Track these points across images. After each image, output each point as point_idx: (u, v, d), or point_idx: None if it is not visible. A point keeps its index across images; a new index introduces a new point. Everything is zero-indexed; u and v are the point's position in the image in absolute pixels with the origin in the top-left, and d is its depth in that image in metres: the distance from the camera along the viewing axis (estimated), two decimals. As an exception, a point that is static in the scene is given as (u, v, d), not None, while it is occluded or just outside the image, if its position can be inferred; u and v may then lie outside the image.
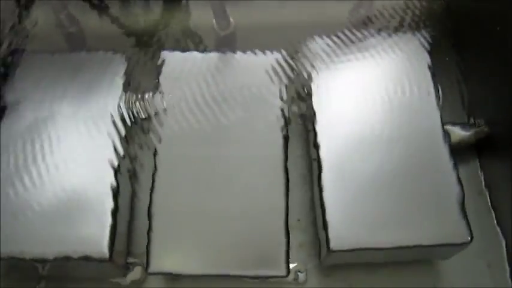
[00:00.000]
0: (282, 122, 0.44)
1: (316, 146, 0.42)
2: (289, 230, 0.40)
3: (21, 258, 0.39)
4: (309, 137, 0.47)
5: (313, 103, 0.44)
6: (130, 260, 0.44)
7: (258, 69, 0.46)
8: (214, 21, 0.50)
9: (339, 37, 0.48)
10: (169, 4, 0.57)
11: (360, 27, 0.54)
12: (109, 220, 0.40)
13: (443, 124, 0.43)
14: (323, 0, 0.57)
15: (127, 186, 0.45)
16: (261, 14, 0.56)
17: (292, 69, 0.46)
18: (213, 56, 0.47)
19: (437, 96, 0.44)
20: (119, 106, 0.44)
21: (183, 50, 0.47)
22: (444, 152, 0.42)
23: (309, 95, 0.45)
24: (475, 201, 0.47)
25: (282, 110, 0.44)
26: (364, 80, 0.45)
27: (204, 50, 0.48)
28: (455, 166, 0.41)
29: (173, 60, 0.46)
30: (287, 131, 0.44)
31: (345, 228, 0.39)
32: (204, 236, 0.39)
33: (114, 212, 0.40)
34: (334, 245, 0.38)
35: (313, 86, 0.45)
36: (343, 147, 0.42)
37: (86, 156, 0.42)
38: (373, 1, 0.54)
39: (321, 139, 0.42)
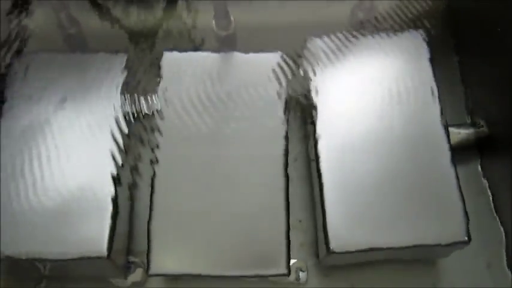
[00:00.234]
0: (282, 121, 0.44)
1: (317, 146, 0.42)
2: (290, 230, 0.40)
3: (21, 258, 0.39)
4: (309, 136, 0.47)
5: (313, 103, 0.44)
6: (131, 259, 0.44)
7: (258, 69, 0.46)
8: (214, 22, 0.50)
9: (339, 37, 0.47)
10: (169, 4, 0.57)
11: (360, 27, 0.54)
12: (108, 219, 0.40)
13: (443, 124, 0.43)
14: (323, 0, 0.57)
15: (127, 186, 0.45)
16: (261, 14, 0.56)
17: (292, 69, 0.46)
18: (214, 56, 0.47)
19: (438, 96, 0.44)
20: (119, 106, 0.44)
21: (184, 50, 0.47)
22: (444, 152, 0.42)
23: (309, 95, 0.45)
24: (475, 201, 0.47)
25: (282, 110, 0.44)
26: (364, 80, 0.45)
27: (204, 50, 0.47)
28: (456, 166, 0.41)
29: (173, 61, 0.46)
30: (287, 131, 0.43)
31: (344, 228, 0.39)
32: (204, 236, 0.39)
33: (114, 212, 0.40)
34: (334, 245, 0.38)
35: (313, 86, 0.45)
36: (344, 148, 0.42)
37: (86, 156, 0.42)
38: (374, 1, 0.54)
39: (321, 139, 0.42)
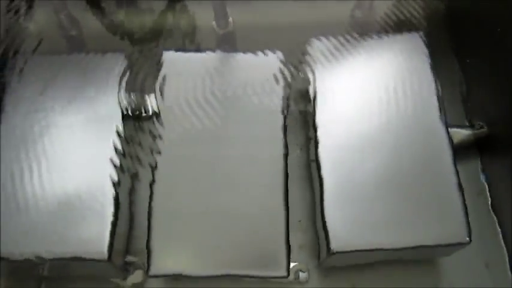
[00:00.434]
0: (282, 122, 0.44)
1: (317, 147, 0.42)
2: (290, 230, 0.40)
3: (21, 258, 0.39)
4: (309, 137, 0.47)
5: (313, 103, 0.44)
6: (131, 259, 0.44)
7: (258, 69, 0.46)
8: (213, 21, 0.50)
9: (339, 37, 0.47)
10: (169, 4, 0.57)
11: (360, 27, 0.54)
12: (109, 220, 0.40)
13: (443, 124, 0.43)
14: (323, 0, 0.57)
15: (127, 186, 0.45)
16: (261, 14, 0.56)
17: (292, 69, 0.46)
18: (213, 55, 0.47)
19: (438, 97, 0.44)
20: (119, 106, 0.44)
21: (183, 50, 0.47)
22: (445, 152, 0.42)
23: (309, 95, 0.45)
24: (475, 202, 0.47)
25: (282, 110, 0.44)
26: (364, 81, 0.45)
27: (204, 50, 0.47)
28: (456, 166, 0.41)
29: (173, 60, 0.46)
30: (287, 131, 0.43)
31: (344, 229, 0.39)
32: (204, 236, 0.39)
33: (114, 212, 0.40)
34: (334, 246, 0.38)
35: (313, 86, 0.45)
36: (344, 148, 0.42)
37: (86, 156, 0.42)
38: (373, 1, 0.54)
39: (321, 139, 0.42)
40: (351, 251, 0.38)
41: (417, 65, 0.45)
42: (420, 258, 0.44)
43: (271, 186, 0.41)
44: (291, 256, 0.39)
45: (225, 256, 0.39)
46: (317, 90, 0.45)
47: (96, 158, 0.42)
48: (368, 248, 0.38)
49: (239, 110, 0.44)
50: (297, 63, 0.47)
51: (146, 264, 0.39)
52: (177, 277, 0.42)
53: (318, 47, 0.47)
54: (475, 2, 0.50)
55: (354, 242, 0.38)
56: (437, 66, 0.45)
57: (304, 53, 0.47)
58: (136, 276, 0.44)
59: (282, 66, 0.46)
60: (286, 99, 0.45)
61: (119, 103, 0.44)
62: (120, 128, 0.43)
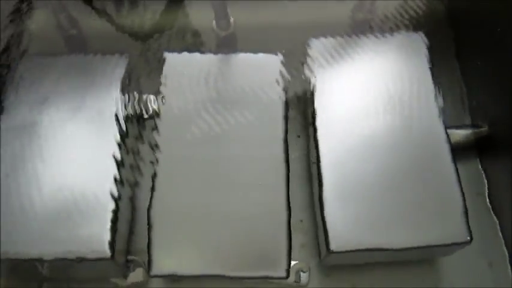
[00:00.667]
0: (282, 122, 0.44)
1: (317, 147, 0.42)
2: (291, 230, 0.40)
3: (22, 258, 0.39)
4: (309, 137, 0.47)
5: (314, 104, 0.44)
6: (132, 259, 0.44)
7: (259, 70, 0.46)
8: (214, 21, 0.50)
9: (339, 37, 0.47)
10: (169, 5, 0.57)
11: (360, 27, 0.54)
12: (110, 220, 0.40)
13: (443, 124, 0.43)
14: (323, 0, 0.57)
15: (128, 186, 0.45)
16: (261, 14, 0.56)
17: (292, 69, 0.46)
18: (214, 56, 0.47)
19: (438, 97, 0.44)
20: (120, 107, 0.44)
21: (184, 51, 0.47)
22: (444, 152, 0.42)
23: (309, 95, 0.45)
24: (475, 202, 0.47)
25: (283, 111, 0.44)
26: (364, 81, 0.45)
27: (204, 51, 0.47)
28: (456, 166, 0.41)
29: (174, 61, 0.46)
30: (287, 131, 0.43)
31: (345, 229, 0.39)
32: (205, 236, 0.40)
33: (115, 212, 0.40)
34: (334, 246, 0.38)
35: (314, 87, 0.45)
36: (344, 148, 0.42)
37: (86, 156, 0.42)
38: (374, 1, 0.54)
39: (321, 140, 0.42)
40: (351, 251, 0.38)
41: (417, 65, 0.45)
42: (420, 258, 0.44)
43: (272, 186, 0.41)
44: (292, 255, 0.39)
45: (225, 256, 0.39)
46: (317, 90, 0.45)
47: (97, 158, 0.42)
48: (368, 247, 0.38)
49: (240, 110, 0.44)
50: (297, 63, 0.47)
51: (147, 264, 0.39)
52: (177, 277, 0.42)
53: (318, 47, 0.47)
54: (475, 2, 0.50)
55: (353, 241, 0.38)
56: (437, 66, 0.45)
57: (305, 53, 0.47)
58: (136, 276, 0.44)
59: (282, 66, 0.46)
60: (286, 99, 0.45)
61: (120, 104, 0.45)
62: (121, 129, 0.43)
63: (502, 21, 0.44)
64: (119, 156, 0.42)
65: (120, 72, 0.46)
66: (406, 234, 0.39)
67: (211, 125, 0.44)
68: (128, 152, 0.44)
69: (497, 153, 0.47)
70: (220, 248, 0.39)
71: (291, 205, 0.41)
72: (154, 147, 0.43)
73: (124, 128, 0.44)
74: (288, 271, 0.39)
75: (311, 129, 0.44)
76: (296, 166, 0.48)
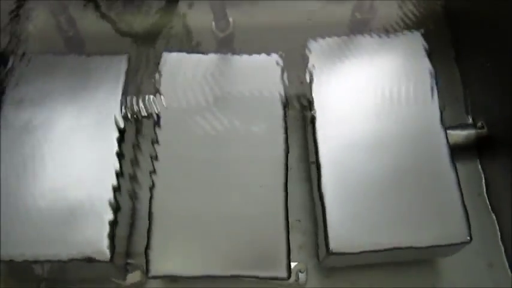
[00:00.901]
0: (281, 123, 0.44)
1: (316, 147, 0.42)
2: (290, 230, 0.40)
3: (21, 260, 0.39)
4: (308, 138, 0.47)
5: (313, 104, 0.44)
6: (130, 261, 0.44)
7: (258, 70, 0.46)
8: (213, 22, 0.50)
9: (338, 38, 0.47)
10: (168, 6, 0.57)
11: (360, 27, 0.54)
12: (109, 222, 0.40)
13: (443, 124, 0.43)
14: (323, 1, 0.57)
15: (127, 187, 0.45)
16: (260, 14, 0.56)
17: (291, 70, 0.46)
18: (213, 57, 0.47)
19: (437, 97, 0.44)
20: (119, 108, 0.44)
21: (183, 52, 0.47)
22: (444, 152, 0.41)
23: (309, 96, 0.45)
24: (475, 202, 0.47)
25: (282, 111, 0.44)
26: (364, 81, 0.45)
27: (204, 51, 0.47)
28: (455, 166, 0.41)
29: (173, 62, 0.46)
30: (287, 132, 0.43)
31: (344, 229, 0.39)
32: (204, 237, 0.40)
33: (115, 214, 0.40)
34: (333, 246, 0.38)
35: (313, 87, 0.45)
36: (343, 148, 0.42)
37: (86, 158, 0.42)
38: (374, 1, 0.54)
39: (320, 140, 0.42)
40: (350, 252, 0.38)
41: (417, 65, 0.45)
42: (420, 258, 0.44)
43: (271, 187, 0.41)
44: (291, 256, 0.39)
45: (224, 256, 0.39)
46: (316, 90, 0.45)
47: (97, 160, 0.42)
48: (367, 248, 0.38)
49: (239, 111, 0.44)
50: (296, 64, 0.47)
51: (145, 265, 0.39)
52: (176, 278, 0.42)
53: (317, 47, 0.47)
54: (474, 2, 0.50)
55: (353, 242, 0.38)
56: (436, 66, 0.45)
57: (304, 53, 0.47)
58: (135, 276, 0.44)
59: (281, 67, 0.46)
60: (286, 100, 0.45)
61: (119, 104, 0.44)
62: (120, 130, 0.43)
63: (501, 21, 0.44)
64: (118, 157, 0.42)
65: (119, 72, 0.46)
66: (405, 234, 0.39)
67: (210, 125, 0.44)
68: (127, 152, 0.44)
69: (497, 153, 0.47)
70: (219, 248, 0.39)
71: (289, 205, 0.40)
72: (153, 148, 0.43)
73: (123, 128, 0.44)
74: (289, 271, 0.39)
75: (310, 130, 0.44)
76: (295, 166, 0.48)
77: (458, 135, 0.46)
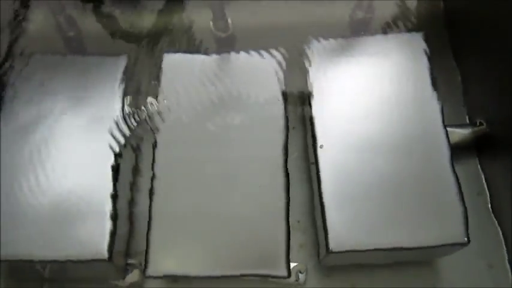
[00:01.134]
0: (281, 123, 0.44)
1: (316, 147, 0.42)
2: (290, 231, 0.40)
3: (22, 260, 0.39)
4: (308, 138, 0.47)
5: (313, 104, 0.44)
6: (130, 261, 0.44)
7: (258, 70, 0.46)
8: (212, 22, 0.50)
9: (338, 37, 0.47)
10: (169, 6, 0.57)
11: (359, 27, 0.54)
12: (108, 222, 0.40)
13: (442, 124, 0.43)
14: (323, 1, 0.57)
15: (126, 188, 0.45)
16: (260, 14, 0.56)
17: (291, 70, 0.46)
18: (214, 57, 0.47)
19: (437, 97, 0.44)
20: (119, 108, 0.44)
21: (184, 52, 0.47)
22: (444, 152, 0.42)
23: (309, 96, 0.45)
24: (475, 202, 0.47)
25: (282, 111, 0.44)
26: (363, 81, 0.45)
27: (204, 52, 0.48)
28: (454, 166, 0.41)
29: (173, 62, 0.46)
30: (287, 132, 0.44)
31: (344, 229, 0.39)
32: (204, 237, 0.40)
33: (114, 214, 0.40)
34: (333, 246, 0.38)
35: (313, 87, 0.45)
36: (343, 148, 0.42)
37: (85, 158, 0.42)
38: (373, 2, 0.54)
39: (320, 140, 0.42)
40: (350, 251, 0.38)
41: (416, 65, 0.45)
42: (419, 258, 0.44)
43: (271, 186, 0.41)
44: (291, 256, 0.39)
45: (224, 256, 0.39)
46: (316, 90, 0.45)
47: (96, 160, 0.42)
48: (366, 248, 0.38)
49: (239, 111, 0.44)
50: (296, 64, 0.47)
51: (143, 264, 0.39)
52: (176, 278, 0.42)
53: (317, 47, 0.47)
54: (474, 2, 0.50)
55: (352, 242, 0.38)
56: (436, 66, 0.45)
57: (304, 53, 0.47)
58: (133, 276, 0.44)
59: (281, 67, 0.46)
60: (286, 100, 0.45)
61: (119, 104, 0.45)
62: (120, 130, 0.44)
63: (500, 22, 0.44)
64: (117, 157, 0.42)
65: (119, 73, 0.46)
66: (404, 234, 0.39)
67: (210, 125, 0.44)
68: (127, 153, 0.44)
69: (496, 153, 0.47)
70: (219, 248, 0.39)
71: (290, 205, 0.41)
72: (153, 148, 0.43)
73: (123, 129, 0.44)
74: (289, 270, 0.39)
75: (310, 130, 0.44)
76: (295, 166, 0.48)
77: (458, 134, 0.46)
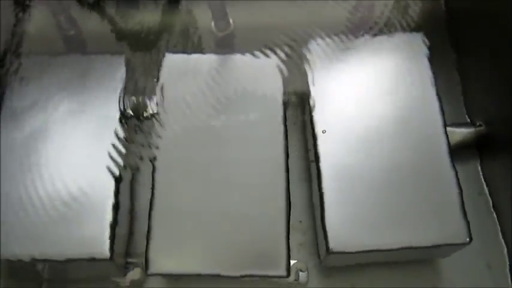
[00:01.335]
0: (281, 123, 0.44)
1: (316, 147, 0.42)
2: (290, 230, 0.40)
3: (22, 259, 0.39)
4: (308, 138, 0.47)
5: (313, 104, 0.44)
6: (130, 260, 0.44)
7: (258, 70, 0.46)
8: (212, 22, 0.50)
9: (338, 37, 0.47)
10: (168, 6, 0.57)
11: (359, 27, 0.54)
12: (109, 220, 0.40)
13: (443, 124, 0.43)
14: (323, 0, 0.57)
15: (127, 187, 0.45)
16: (260, 14, 0.56)
17: (291, 70, 0.46)
18: (213, 57, 0.47)
19: (437, 97, 0.44)
20: (119, 108, 0.44)
21: (183, 52, 0.47)
22: (444, 152, 0.42)
23: (309, 96, 0.45)
24: (475, 202, 0.47)
25: (282, 111, 0.44)
26: (363, 81, 0.45)
27: (204, 52, 0.48)
28: (455, 166, 0.41)
29: (173, 62, 0.46)
30: (287, 132, 0.44)
31: (344, 229, 0.39)
32: (204, 236, 0.40)
33: (115, 213, 0.40)
34: (333, 246, 0.38)
35: (313, 87, 0.45)
36: (343, 148, 0.42)
37: (86, 157, 0.42)
38: (373, 1, 0.54)
39: (320, 140, 0.42)
40: (350, 251, 0.38)
41: (416, 65, 0.45)
42: (420, 258, 0.44)
43: (271, 186, 0.41)
44: (291, 255, 0.39)
45: (224, 255, 0.39)
46: (316, 90, 0.45)
47: (97, 159, 0.42)
48: (367, 248, 0.38)
49: (239, 111, 0.44)
50: (296, 64, 0.47)
51: (144, 263, 0.39)
52: (176, 276, 0.42)
53: (317, 47, 0.47)
54: (474, 2, 0.50)
55: (353, 242, 0.38)
56: (436, 66, 0.45)
57: (304, 53, 0.47)
58: (134, 275, 0.44)
59: (281, 67, 0.46)
60: (286, 100, 0.45)
61: (119, 104, 0.45)
62: (120, 130, 0.43)
63: (500, 22, 0.44)
64: (118, 157, 0.42)
65: (119, 72, 0.46)
66: (405, 234, 0.39)
67: (210, 125, 0.44)
68: (127, 153, 0.44)
69: (497, 153, 0.47)
70: (219, 247, 0.39)
71: (290, 205, 0.41)
72: (153, 147, 0.43)
73: (123, 129, 0.44)
74: (288, 270, 0.39)
75: (310, 130, 0.44)
76: (295, 166, 0.48)
77: (458, 134, 0.46)
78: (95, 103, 0.44)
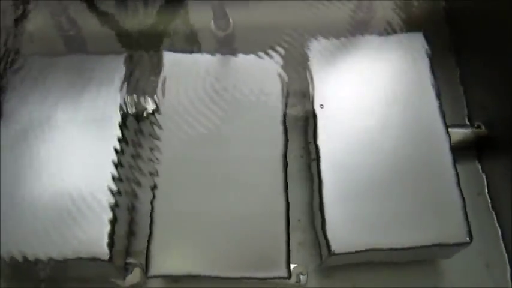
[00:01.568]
0: (281, 122, 0.44)
1: (316, 147, 0.42)
2: (290, 230, 0.40)
3: (22, 259, 0.39)
4: (308, 138, 0.47)
5: (313, 104, 0.44)
6: (130, 260, 0.44)
7: (258, 70, 0.46)
8: (212, 22, 0.50)
9: (338, 38, 0.47)
10: (168, 5, 0.57)
11: (360, 27, 0.54)
12: (109, 221, 0.40)
13: (443, 124, 0.43)
14: (323, 0, 0.57)
15: (127, 187, 0.45)
16: (260, 14, 0.56)
17: (291, 70, 0.46)
18: (213, 57, 0.47)
19: (438, 97, 0.44)
20: (119, 108, 0.44)
21: (183, 51, 0.47)
22: (444, 152, 0.42)
23: (309, 96, 0.45)
24: (475, 202, 0.47)
25: (282, 111, 0.44)
26: (364, 81, 0.45)
27: (204, 51, 0.47)
28: (455, 166, 0.41)
29: (173, 62, 0.46)
30: (287, 132, 0.43)
31: (344, 229, 0.39)
32: (204, 237, 0.40)
33: (114, 213, 0.40)
34: (334, 247, 0.38)
35: (313, 87, 0.45)
36: (344, 148, 0.42)
37: (86, 157, 0.42)
38: (373, 1, 0.54)
39: (320, 140, 0.42)
40: (351, 252, 0.38)
41: (417, 65, 0.45)
42: (420, 259, 0.44)
43: (271, 186, 0.41)
44: (291, 256, 0.39)
45: (225, 256, 0.39)
46: (316, 90, 0.45)
47: (96, 159, 0.42)
48: (368, 248, 0.38)
49: (239, 111, 0.44)
50: (296, 64, 0.47)
51: (145, 264, 0.39)
52: (176, 278, 0.42)
53: (317, 47, 0.47)
54: (474, 2, 0.50)
55: (353, 242, 0.38)
56: (437, 66, 0.45)
57: (304, 53, 0.47)
58: (134, 276, 0.44)
59: (281, 67, 0.46)
60: (286, 100, 0.45)
61: (120, 104, 0.45)
62: (120, 129, 0.43)
63: (501, 21, 0.44)
64: (118, 157, 0.42)
65: (119, 72, 0.46)
66: (405, 234, 0.39)
67: (210, 125, 0.44)
68: (127, 153, 0.44)
69: (497, 153, 0.47)
70: (219, 248, 0.39)
71: (290, 205, 0.41)
72: (153, 148, 0.43)
73: (123, 128, 0.44)
74: (289, 270, 0.39)
75: (310, 130, 0.44)
76: (295, 166, 0.48)
77: (458, 134, 0.46)
78: (94, 103, 0.44)
